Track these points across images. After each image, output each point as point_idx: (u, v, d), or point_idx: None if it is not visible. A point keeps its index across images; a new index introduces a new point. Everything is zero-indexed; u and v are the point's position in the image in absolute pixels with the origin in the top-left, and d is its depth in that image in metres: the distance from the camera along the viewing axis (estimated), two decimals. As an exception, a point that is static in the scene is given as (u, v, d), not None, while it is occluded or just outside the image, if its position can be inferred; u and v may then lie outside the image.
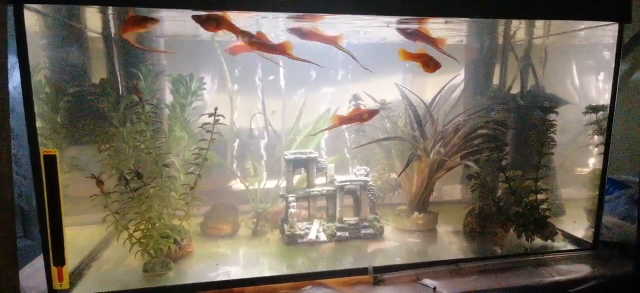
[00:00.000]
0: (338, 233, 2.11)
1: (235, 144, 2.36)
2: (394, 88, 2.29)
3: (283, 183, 2.21)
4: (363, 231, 2.15)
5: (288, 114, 2.45)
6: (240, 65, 2.32)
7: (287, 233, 2.06)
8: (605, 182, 2.06)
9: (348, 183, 2.17)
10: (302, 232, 2.07)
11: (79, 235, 2.13)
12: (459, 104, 2.43)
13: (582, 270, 1.86)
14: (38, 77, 1.82)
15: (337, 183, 2.16)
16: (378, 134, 2.33)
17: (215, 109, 1.78)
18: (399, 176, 2.21)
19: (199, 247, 2.03)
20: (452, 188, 2.76)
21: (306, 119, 2.37)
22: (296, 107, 2.36)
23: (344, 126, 2.38)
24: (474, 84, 2.55)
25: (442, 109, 2.29)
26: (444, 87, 2.29)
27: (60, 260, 1.51)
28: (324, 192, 2.18)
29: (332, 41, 1.82)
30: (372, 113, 2.00)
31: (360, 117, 1.98)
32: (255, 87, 2.42)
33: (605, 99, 2.02)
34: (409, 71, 2.48)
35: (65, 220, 2.12)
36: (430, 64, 1.87)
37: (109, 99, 1.79)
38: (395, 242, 2.13)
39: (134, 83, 1.64)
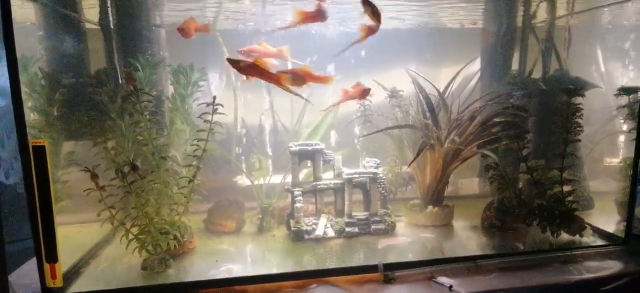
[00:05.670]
0: (347, 229, 1.99)
1: (243, 138, 2.28)
2: (405, 76, 2.16)
3: (289, 179, 2.11)
4: (373, 226, 2.03)
5: (296, 109, 2.35)
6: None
7: (293, 229, 1.96)
8: (638, 171, 1.89)
9: (357, 175, 2.05)
10: (309, 228, 1.96)
11: (81, 232, 2.08)
12: (475, 93, 2.29)
13: (614, 266, 1.70)
14: (34, 69, 1.78)
15: (345, 176, 2.04)
16: (388, 124, 2.20)
17: (214, 97, 1.69)
18: (409, 165, 2.08)
19: (201, 244, 1.95)
20: (469, 182, 2.62)
21: (310, 117, 2.25)
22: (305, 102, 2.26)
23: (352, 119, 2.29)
24: (490, 71, 2.39)
25: (457, 99, 2.15)
26: (458, 72, 2.15)
27: (52, 257, 1.44)
28: (332, 185, 2.07)
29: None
30: (366, 91, 1.85)
31: (360, 93, 1.84)
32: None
33: (635, 82, 1.85)
34: (424, 62, 2.36)
35: (66, 218, 2.08)
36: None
37: (106, 91, 1.72)
38: (408, 238, 2.00)
39: (126, 71, 1.56)
